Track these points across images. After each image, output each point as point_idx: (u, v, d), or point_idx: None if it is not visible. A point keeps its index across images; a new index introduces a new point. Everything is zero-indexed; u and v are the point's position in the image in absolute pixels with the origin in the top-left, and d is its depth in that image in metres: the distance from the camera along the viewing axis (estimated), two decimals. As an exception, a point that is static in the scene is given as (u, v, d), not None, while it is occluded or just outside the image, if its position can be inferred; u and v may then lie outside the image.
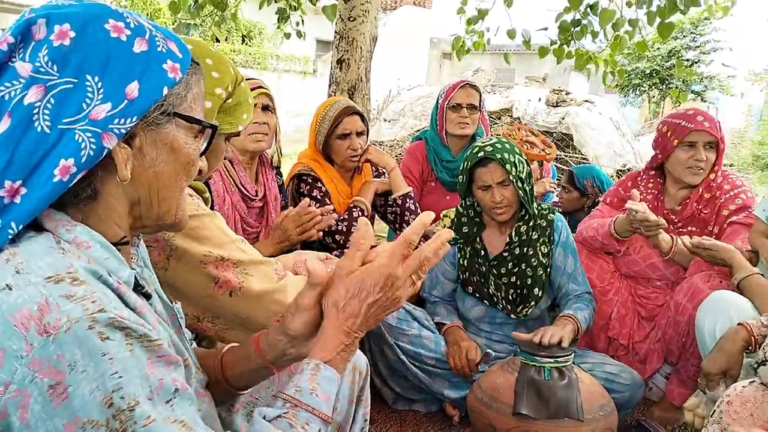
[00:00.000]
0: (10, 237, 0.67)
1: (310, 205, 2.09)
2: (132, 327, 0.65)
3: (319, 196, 2.33)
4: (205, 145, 0.84)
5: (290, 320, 0.92)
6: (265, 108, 2.02)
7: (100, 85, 0.69)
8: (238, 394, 1.06)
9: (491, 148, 1.98)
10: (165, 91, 0.74)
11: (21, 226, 0.68)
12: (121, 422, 0.61)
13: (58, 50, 0.68)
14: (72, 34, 0.69)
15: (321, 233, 2.11)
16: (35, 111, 0.67)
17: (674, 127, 2.22)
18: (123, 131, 0.70)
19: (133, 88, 0.71)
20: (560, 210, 3.07)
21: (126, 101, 0.70)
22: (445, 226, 2.19)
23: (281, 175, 2.33)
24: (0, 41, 0.69)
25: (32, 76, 0.67)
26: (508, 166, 1.95)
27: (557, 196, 3.10)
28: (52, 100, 0.67)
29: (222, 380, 1.02)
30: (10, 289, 0.63)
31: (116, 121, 0.69)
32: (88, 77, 0.69)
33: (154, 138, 0.75)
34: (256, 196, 2.08)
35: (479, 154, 1.99)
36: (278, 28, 5.15)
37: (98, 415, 0.61)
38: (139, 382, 0.63)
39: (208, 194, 1.37)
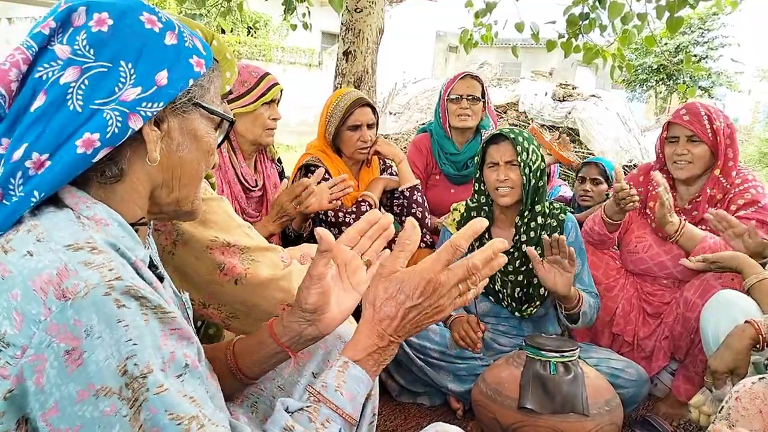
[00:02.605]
0: (32, 205, 0.69)
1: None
2: (147, 297, 0.66)
3: (326, 187, 2.32)
4: (222, 137, 0.88)
5: (306, 295, 0.91)
6: (277, 102, 2.04)
7: (132, 71, 0.73)
8: (250, 383, 1.06)
9: (508, 130, 2.03)
10: (191, 82, 0.79)
11: (43, 195, 0.69)
12: (133, 391, 0.62)
13: (97, 36, 0.72)
14: (110, 22, 0.73)
15: (336, 203, 2.10)
16: (69, 90, 0.71)
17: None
18: (149, 114, 0.74)
19: (162, 76, 0.75)
20: (584, 205, 3.02)
21: (155, 87, 0.74)
22: (454, 219, 2.18)
23: (281, 162, 2.33)
24: (42, 25, 0.73)
25: (70, 58, 0.71)
26: (518, 148, 1.97)
27: (583, 191, 3.05)
28: (86, 81, 0.71)
29: (235, 370, 1.02)
30: (31, 255, 0.65)
31: (144, 104, 0.73)
32: (122, 63, 0.73)
33: (181, 124, 0.80)
34: (256, 186, 2.08)
35: (496, 133, 2.04)
36: (284, 19, 5.12)
37: (112, 382, 0.61)
38: (152, 351, 0.64)
39: (214, 179, 1.36)
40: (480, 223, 0.83)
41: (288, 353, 0.98)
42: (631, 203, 2.10)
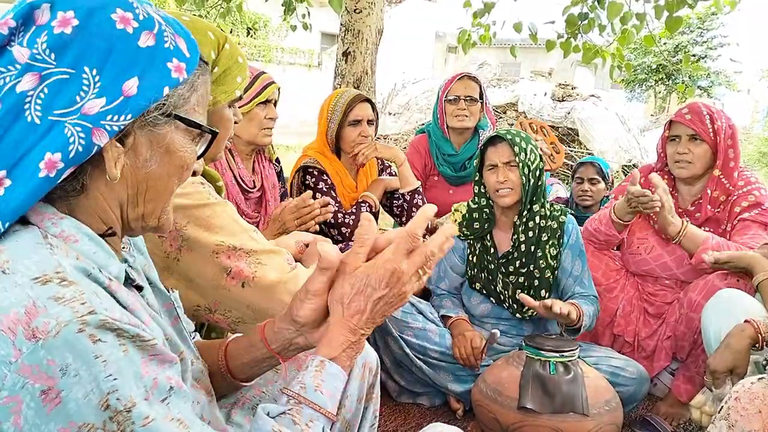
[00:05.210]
0: None
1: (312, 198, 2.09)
2: (124, 328, 0.62)
3: (324, 189, 2.32)
4: (203, 149, 0.81)
5: (299, 307, 0.89)
6: (275, 102, 2.04)
7: (97, 78, 0.66)
8: (241, 386, 1.05)
9: (505, 131, 2.04)
10: (166, 91, 0.70)
11: (8, 225, 0.65)
12: (118, 423, 0.60)
13: (58, 38, 0.65)
14: (75, 22, 0.65)
15: (317, 226, 2.11)
16: (27, 100, 0.64)
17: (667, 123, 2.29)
18: (115, 129, 0.66)
19: (131, 85, 0.67)
20: (584, 206, 3.02)
21: (122, 98, 0.66)
22: (456, 220, 2.19)
23: (279, 163, 2.33)
24: (1, 23, 0.65)
25: (28, 63, 0.64)
26: (516, 148, 1.98)
27: (581, 191, 3.05)
28: (45, 90, 0.64)
29: (226, 372, 1.00)
30: None
31: (109, 117, 0.66)
32: (86, 69, 0.65)
33: (149, 138, 0.72)
34: (254, 187, 2.08)
35: (493, 135, 2.05)
36: (284, 20, 5.13)
37: (94, 418, 0.59)
38: (134, 382, 0.62)
39: (221, 182, 1.35)
40: (430, 210, 0.85)
41: (277, 359, 0.97)
42: (651, 207, 2.05)
